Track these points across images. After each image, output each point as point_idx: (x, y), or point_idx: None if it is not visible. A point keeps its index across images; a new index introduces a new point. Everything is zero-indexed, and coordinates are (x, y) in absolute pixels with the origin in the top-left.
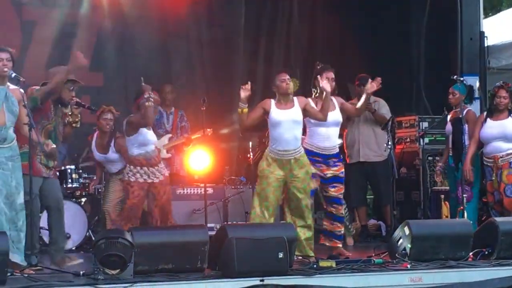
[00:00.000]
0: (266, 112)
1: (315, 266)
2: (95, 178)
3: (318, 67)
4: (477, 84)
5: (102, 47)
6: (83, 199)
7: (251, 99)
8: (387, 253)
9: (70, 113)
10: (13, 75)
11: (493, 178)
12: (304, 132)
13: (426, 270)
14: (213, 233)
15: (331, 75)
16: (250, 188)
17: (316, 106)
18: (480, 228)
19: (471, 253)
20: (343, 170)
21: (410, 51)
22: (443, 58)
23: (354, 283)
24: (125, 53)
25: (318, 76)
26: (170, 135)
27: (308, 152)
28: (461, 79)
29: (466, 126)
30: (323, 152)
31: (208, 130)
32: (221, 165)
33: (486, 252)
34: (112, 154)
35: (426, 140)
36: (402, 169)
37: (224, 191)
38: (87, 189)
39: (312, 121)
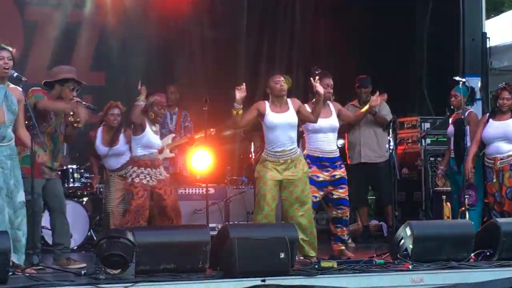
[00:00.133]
0: (261, 115)
1: (316, 266)
2: (97, 177)
3: (317, 72)
4: (479, 85)
5: (104, 47)
6: (85, 199)
7: (252, 99)
8: (388, 253)
9: (71, 113)
10: (15, 74)
11: (494, 180)
12: (298, 139)
13: (428, 271)
14: (214, 233)
15: (330, 82)
16: (251, 188)
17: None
18: (481, 229)
19: (472, 254)
20: (345, 172)
21: (413, 52)
22: (445, 59)
23: (355, 283)
24: (127, 53)
25: (311, 79)
26: (173, 134)
27: (314, 159)
28: (463, 80)
29: (468, 128)
30: (328, 156)
31: (212, 129)
32: (222, 165)
33: (488, 253)
34: (121, 147)
35: (428, 141)
36: (403, 170)
37: (226, 191)
38: (89, 189)
39: (310, 128)
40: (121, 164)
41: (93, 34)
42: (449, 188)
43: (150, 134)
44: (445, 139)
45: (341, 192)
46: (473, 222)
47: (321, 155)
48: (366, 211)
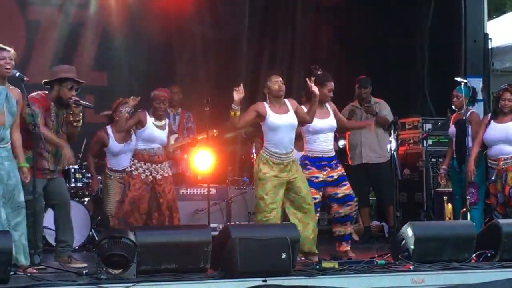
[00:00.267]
0: (261, 116)
1: (318, 267)
2: (98, 177)
3: (319, 72)
4: (481, 86)
5: (107, 47)
6: (86, 199)
7: (254, 99)
8: (390, 254)
9: (71, 113)
10: (17, 74)
11: (497, 181)
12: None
13: (429, 272)
14: (216, 233)
15: (332, 85)
16: (253, 188)
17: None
18: (483, 230)
19: (474, 255)
20: (343, 170)
21: (415, 53)
22: (447, 60)
23: (356, 284)
24: (129, 53)
25: (307, 79)
26: (176, 135)
27: (313, 160)
28: (464, 81)
29: (469, 128)
30: (326, 155)
31: (214, 130)
32: (224, 165)
33: (489, 254)
34: (134, 143)
35: (430, 141)
36: (405, 171)
37: (227, 191)
38: (90, 189)
39: (311, 129)
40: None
41: (95, 34)
42: (451, 189)
43: (152, 129)
44: (447, 140)
45: (345, 189)
46: (474, 223)
47: (321, 155)
48: (368, 211)
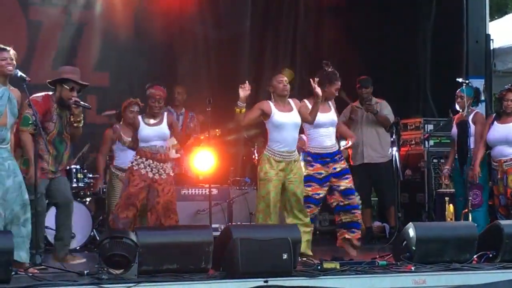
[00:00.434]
0: (266, 114)
1: (319, 267)
2: (102, 178)
3: (329, 69)
4: (482, 87)
5: (108, 47)
6: (88, 199)
7: (255, 99)
8: (391, 255)
9: (71, 114)
10: (19, 74)
11: (499, 183)
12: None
13: (430, 273)
14: (217, 233)
15: (339, 84)
16: (254, 189)
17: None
18: (484, 231)
19: (475, 256)
20: (346, 164)
21: (416, 54)
22: (449, 61)
23: (358, 285)
24: (131, 53)
25: (311, 80)
26: None
27: (316, 156)
28: (467, 81)
29: (471, 129)
30: (329, 151)
31: (217, 130)
32: (225, 165)
33: (491, 255)
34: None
35: (431, 142)
36: (407, 171)
37: (229, 191)
38: (92, 189)
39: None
40: None
41: (97, 34)
42: (452, 190)
43: (145, 129)
44: (448, 141)
45: (347, 182)
46: (476, 224)
47: (323, 151)
48: (369, 212)
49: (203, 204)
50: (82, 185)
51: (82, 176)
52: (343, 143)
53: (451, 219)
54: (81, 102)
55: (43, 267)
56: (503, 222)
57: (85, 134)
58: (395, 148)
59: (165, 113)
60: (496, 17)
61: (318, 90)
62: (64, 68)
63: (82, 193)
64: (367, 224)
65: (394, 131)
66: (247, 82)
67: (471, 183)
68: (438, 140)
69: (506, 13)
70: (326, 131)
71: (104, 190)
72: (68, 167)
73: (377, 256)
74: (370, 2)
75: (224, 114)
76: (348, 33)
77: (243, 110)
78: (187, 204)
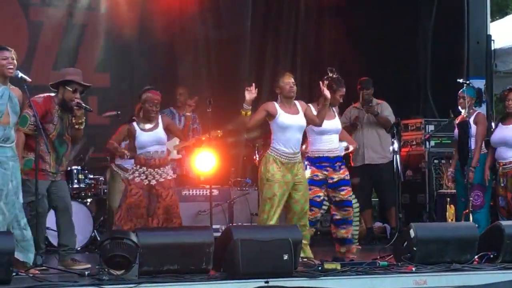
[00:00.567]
0: (271, 115)
1: (320, 268)
2: (101, 178)
3: (334, 75)
4: (483, 87)
5: (109, 48)
6: (89, 200)
7: (256, 99)
8: (392, 255)
9: (73, 115)
10: (20, 75)
11: (500, 185)
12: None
13: (431, 273)
14: (218, 234)
15: (343, 91)
16: (255, 189)
17: (316, 111)
18: (485, 232)
19: (476, 257)
20: (347, 173)
21: (417, 54)
22: (449, 61)
23: (358, 285)
24: (132, 54)
25: (320, 82)
26: None
27: (315, 160)
28: (468, 82)
29: (472, 129)
30: (329, 155)
31: (219, 131)
32: (226, 166)
33: (491, 256)
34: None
35: (432, 143)
36: (407, 172)
37: (230, 192)
38: (93, 190)
39: (315, 129)
40: None
41: (98, 35)
42: (453, 191)
43: (142, 135)
44: (449, 141)
45: (343, 194)
46: (477, 225)
47: (321, 155)
48: (370, 213)
49: (204, 205)
50: (83, 185)
51: (83, 177)
52: (343, 144)
53: (452, 220)
54: (83, 104)
55: (44, 268)
56: (504, 222)
57: (85, 135)
58: (396, 146)
59: (160, 116)
60: (497, 17)
61: (327, 92)
62: (67, 70)
63: (83, 194)
64: (368, 225)
65: (394, 131)
66: (253, 85)
67: (472, 184)
68: (439, 141)
69: (507, 13)
70: (329, 138)
71: (105, 191)
72: (68, 168)
73: (378, 257)
74: (371, 2)
75: (225, 114)
76: (348, 33)
77: (249, 112)
78: (188, 205)
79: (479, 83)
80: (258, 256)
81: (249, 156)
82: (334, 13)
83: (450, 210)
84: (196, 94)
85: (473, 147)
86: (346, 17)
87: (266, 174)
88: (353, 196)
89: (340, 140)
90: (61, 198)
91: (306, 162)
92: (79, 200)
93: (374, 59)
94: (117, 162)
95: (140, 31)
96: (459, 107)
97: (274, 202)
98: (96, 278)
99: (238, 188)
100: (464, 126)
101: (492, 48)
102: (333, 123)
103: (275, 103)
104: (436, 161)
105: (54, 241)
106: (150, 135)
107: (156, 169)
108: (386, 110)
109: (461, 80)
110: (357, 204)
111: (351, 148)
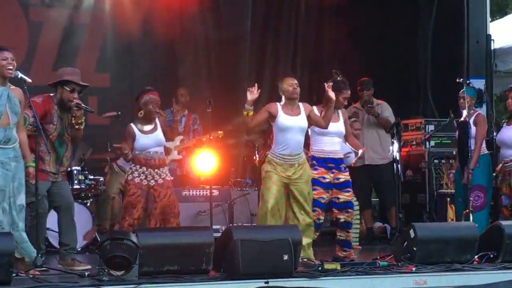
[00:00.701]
0: (272, 116)
1: (320, 268)
2: (101, 179)
3: (338, 78)
4: (483, 87)
5: (109, 48)
6: (89, 200)
7: (258, 100)
8: (392, 256)
9: (73, 115)
10: (20, 76)
11: (502, 183)
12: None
13: (431, 273)
14: (218, 234)
15: (348, 94)
16: (255, 190)
17: (320, 113)
18: (485, 231)
19: (476, 256)
20: (349, 176)
21: (417, 54)
22: (449, 61)
23: (358, 285)
24: (132, 54)
25: (325, 84)
26: (181, 136)
27: (321, 160)
28: (467, 82)
29: (471, 130)
30: (333, 156)
31: (220, 132)
32: (227, 167)
33: (492, 256)
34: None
35: (432, 143)
36: (408, 172)
37: (230, 193)
38: (93, 190)
39: (316, 130)
40: None
41: (98, 35)
42: (453, 191)
43: (142, 138)
44: (449, 141)
45: (347, 196)
46: (476, 225)
47: (327, 156)
48: (370, 213)
49: (204, 205)
50: (83, 186)
51: (83, 178)
52: (351, 154)
53: (452, 220)
54: (83, 105)
55: (44, 268)
56: (504, 222)
57: (85, 135)
58: (396, 146)
59: (156, 118)
60: (497, 17)
61: (332, 94)
62: (65, 69)
63: (83, 195)
64: (368, 225)
65: (394, 132)
66: (256, 85)
67: (471, 185)
68: (439, 141)
69: (506, 13)
70: (330, 140)
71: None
72: (69, 169)
73: (378, 257)
74: (371, 1)
75: (225, 114)
76: (348, 33)
77: (251, 113)
78: (188, 205)
79: (479, 83)
80: (258, 257)
81: (249, 157)
82: (334, 13)
83: (451, 210)
84: (196, 94)
85: (472, 147)
86: (346, 17)
87: (262, 171)
88: (355, 199)
89: (349, 144)
90: (64, 197)
91: (312, 162)
92: (80, 200)
93: (374, 59)
94: (119, 163)
95: (141, 31)
96: (460, 107)
97: (266, 197)
98: (96, 278)
99: (238, 189)
100: (464, 126)
101: (492, 48)
102: (336, 125)
103: (278, 104)
104: (436, 161)
105: (54, 242)
106: (151, 138)
107: (155, 170)
108: (386, 111)
109: (460, 80)
110: (357, 203)
111: (360, 152)
